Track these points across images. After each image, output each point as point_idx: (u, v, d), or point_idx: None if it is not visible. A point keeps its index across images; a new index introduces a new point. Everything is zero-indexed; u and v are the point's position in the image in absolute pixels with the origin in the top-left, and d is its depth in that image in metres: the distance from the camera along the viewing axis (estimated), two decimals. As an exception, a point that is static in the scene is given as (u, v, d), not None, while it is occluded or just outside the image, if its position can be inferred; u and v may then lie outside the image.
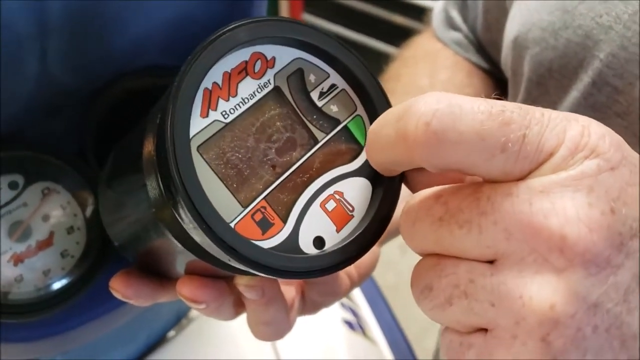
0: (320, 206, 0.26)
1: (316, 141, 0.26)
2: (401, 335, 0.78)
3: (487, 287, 0.21)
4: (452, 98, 0.21)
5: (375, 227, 0.26)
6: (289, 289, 0.35)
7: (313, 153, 0.26)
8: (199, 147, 0.24)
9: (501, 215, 0.21)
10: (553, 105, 0.46)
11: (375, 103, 0.27)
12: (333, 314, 0.70)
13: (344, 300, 0.74)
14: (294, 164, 0.25)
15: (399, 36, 0.76)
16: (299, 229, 0.25)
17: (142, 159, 0.26)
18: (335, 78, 0.27)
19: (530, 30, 0.46)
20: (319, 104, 0.26)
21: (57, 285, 0.32)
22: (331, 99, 0.27)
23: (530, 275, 0.21)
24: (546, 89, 0.47)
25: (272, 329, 0.33)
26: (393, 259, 1.86)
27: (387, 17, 1.93)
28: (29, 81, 0.27)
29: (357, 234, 0.25)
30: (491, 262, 0.22)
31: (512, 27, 0.49)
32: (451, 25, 0.63)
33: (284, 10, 2.03)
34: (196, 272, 0.30)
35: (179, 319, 0.64)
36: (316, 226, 0.25)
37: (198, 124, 0.24)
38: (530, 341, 0.20)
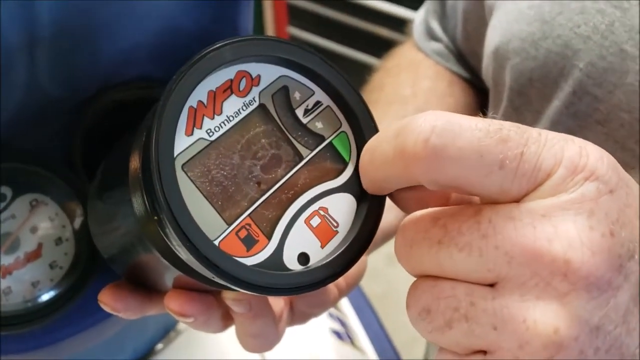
0: (305, 222, 0.26)
1: (301, 158, 0.26)
2: (389, 345, 0.78)
3: (489, 310, 0.21)
4: (451, 116, 0.22)
5: (360, 242, 0.26)
6: (277, 301, 0.35)
7: (298, 169, 0.26)
8: (183, 165, 0.24)
9: (503, 238, 0.21)
10: (536, 114, 0.47)
11: (359, 119, 0.27)
12: (321, 324, 0.70)
13: (332, 310, 0.74)
14: (279, 180, 0.26)
15: (381, 47, 0.77)
16: (283, 245, 0.25)
17: (127, 173, 0.26)
18: (320, 95, 0.27)
19: (511, 40, 0.46)
20: (304, 120, 0.27)
21: (46, 296, 0.32)
22: (316, 115, 0.27)
23: (532, 299, 0.21)
24: (528, 99, 0.47)
25: (261, 341, 0.33)
26: (379, 269, 1.86)
27: (369, 29, 1.95)
28: (17, 91, 0.27)
29: (342, 250, 0.26)
30: (491, 285, 0.22)
31: (493, 38, 0.49)
32: (432, 36, 0.64)
33: (269, 23, 2.04)
34: (184, 286, 0.30)
35: (166, 331, 0.64)
36: (301, 242, 0.26)
37: (183, 143, 0.24)
38: None
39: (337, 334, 0.72)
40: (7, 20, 0.24)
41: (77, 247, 0.32)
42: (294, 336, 0.66)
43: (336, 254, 0.25)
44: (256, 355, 0.65)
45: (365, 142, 0.26)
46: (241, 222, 0.25)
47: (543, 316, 0.20)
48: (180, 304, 0.29)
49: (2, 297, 0.30)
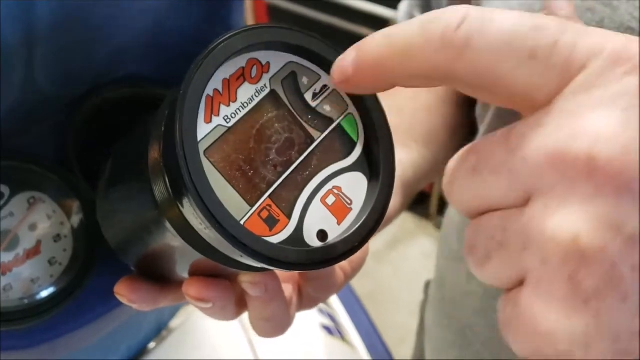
0: (321, 201, 0.27)
1: (312, 140, 0.27)
2: (379, 339, 0.79)
3: (518, 230, 0.19)
4: (482, 8, 0.20)
5: (374, 217, 0.27)
6: (287, 287, 0.35)
7: (311, 151, 0.27)
8: (205, 151, 0.25)
9: (530, 148, 0.19)
10: None
11: (365, 100, 0.28)
12: (311, 320, 0.71)
13: (322, 306, 0.75)
14: (294, 162, 0.27)
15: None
16: (302, 223, 0.27)
17: (144, 165, 0.27)
18: (326, 79, 0.28)
19: None
20: (313, 104, 0.28)
21: (45, 293, 0.32)
22: (324, 99, 0.28)
23: (555, 206, 0.18)
24: None
25: (274, 324, 0.34)
26: (368, 268, 1.87)
27: (349, 29, 1.96)
28: (13, 89, 0.27)
29: (357, 225, 0.27)
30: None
31: None
32: None
33: (249, 23, 2.04)
34: (199, 274, 0.31)
35: (159, 330, 0.64)
36: (319, 220, 0.27)
37: (203, 130, 0.25)
38: (557, 282, 0.18)
39: (328, 329, 0.73)
40: (5, 19, 0.25)
41: (76, 243, 0.32)
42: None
43: (352, 230, 0.27)
44: (248, 353, 0.66)
45: (372, 121, 0.28)
46: (262, 203, 0.26)
47: (562, 223, 0.18)
48: (199, 289, 0.30)
49: (2, 293, 0.30)
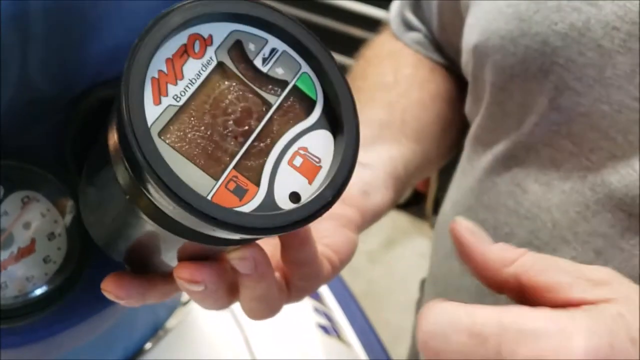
0: (289, 164, 0.27)
1: (270, 105, 0.27)
2: (375, 337, 0.79)
3: None
4: (442, 316, 0.26)
5: (345, 170, 0.27)
6: (275, 272, 0.36)
7: (270, 117, 0.27)
8: (159, 133, 0.25)
9: None
10: (520, 107, 0.49)
11: (317, 57, 0.28)
12: (307, 319, 0.71)
13: (318, 305, 0.75)
14: (254, 130, 0.27)
15: (352, 47, 0.78)
16: (273, 189, 0.27)
17: (108, 156, 0.27)
18: (274, 42, 0.28)
19: (490, 38, 0.48)
20: (264, 69, 0.28)
21: (39, 291, 0.32)
22: (274, 62, 0.28)
23: None
24: (510, 94, 0.49)
25: (265, 305, 0.34)
26: (361, 268, 1.87)
27: (344, 30, 1.97)
28: (9, 87, 0.27)
29: (328, 181, 0.27)
30: None
31: (471, 36, 0.51)
32: (409, 26, 0.65)
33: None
34: (188, 259, 0.31)
35: (155, 330, 0.64)
36: (289, 183, 0.27)
37: (154, 112, 0.25)
38: None
39: (324, 329, 0.73)
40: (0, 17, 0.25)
41: (70, 241, 0.33)
42: (281, 331, 0.66)
43: (324, 187, 0.27)
44: (245, 353, 0.66)
45: (328, 78, 0.28)
46: (227, 175, 0.26)
47: None
48: (190, 271, 0.30)
49: None
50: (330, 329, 0.74)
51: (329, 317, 0.76)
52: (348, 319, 0.79)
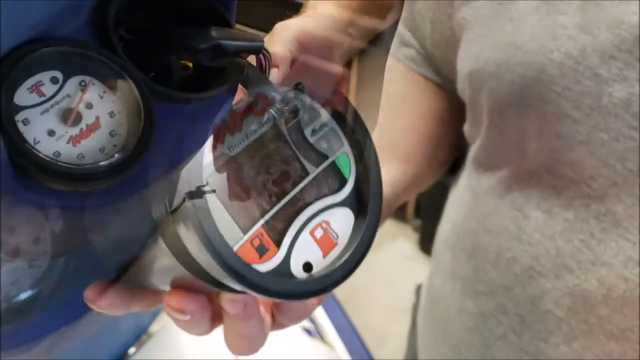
0: (310, 234, 0.28)
1: (307, 174, 0.28)
2: (358, 339, 0.80)
3: None
4: None
5: (358, 254, 0.28)
6: (261, 308, 0.36)
7: (304, 185, 0.28)
8: (208, 177, 0.26)
9: None
10: (519, 133, 0.48)
11: (360, 142, 0.29)
12: (291, 322, 0.72)
13: (301, 308, 0.76)
14: (288, 194, 0.28)
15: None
16: (290, 254, 0.27)
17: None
18: (325, 117, 0.29)
19: (485, 65, 0.47)
20: (311, 140, 0.29)
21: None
22: (322, 136, 0.29)
23: None
24: (508, 120, 0.48)
25: (249, 342, 0.34)
26: (345, 271, 1.87)
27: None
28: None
29: (342, 261, 0.28)
30: None
31: (466, 62, 0.50)
32: (402, 41, 0.64)
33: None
34: (182, 287, 0.32)
35: (139, 335, 0.64)
36: (305, 252, 0.28)
37: (209, 157, 0.26)
38: None
39: (308, 331, 0.74)
40: None
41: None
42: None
43: (337, 265, 0.28)
44: (228, 355, 0.66)
45: (363, 160, 0.29)
46: (255, 231, 0.27)
47: None
48: (180, 302, 0.31)
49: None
50: (314, 332, 0.75)
51: (312, 320, 0.76)
52: (332, 322, 0.80)
